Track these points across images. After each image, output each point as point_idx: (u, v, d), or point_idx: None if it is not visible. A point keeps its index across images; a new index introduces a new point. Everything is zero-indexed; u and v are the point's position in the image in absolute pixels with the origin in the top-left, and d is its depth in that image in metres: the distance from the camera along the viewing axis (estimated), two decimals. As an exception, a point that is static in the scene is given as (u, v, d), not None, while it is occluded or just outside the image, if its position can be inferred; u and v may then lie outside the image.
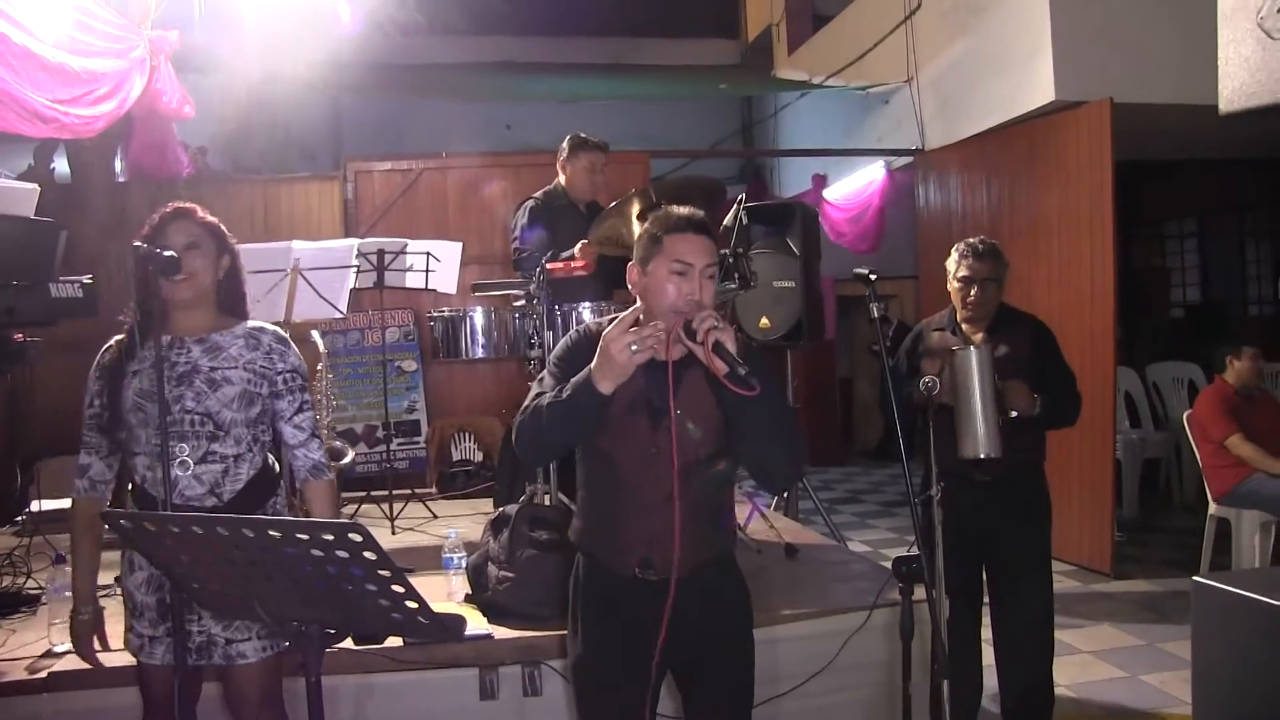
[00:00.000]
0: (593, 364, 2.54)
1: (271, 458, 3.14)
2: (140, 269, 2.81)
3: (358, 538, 1.87)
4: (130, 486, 3.02)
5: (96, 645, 3.11)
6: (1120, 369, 7.73)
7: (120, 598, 3.09)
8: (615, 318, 2.71)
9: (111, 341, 3.02)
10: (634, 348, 2.46)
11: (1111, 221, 7.02)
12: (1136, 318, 10.56)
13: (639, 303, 2.75)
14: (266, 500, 3.05)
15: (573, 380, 2.59)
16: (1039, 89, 7.53)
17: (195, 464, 2.90)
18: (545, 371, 2.83)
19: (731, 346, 2.49)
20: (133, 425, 2.92)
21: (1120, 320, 7.25)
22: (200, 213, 3.03)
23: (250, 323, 3.09)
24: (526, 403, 2.73)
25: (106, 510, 2.40)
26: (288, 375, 3.06)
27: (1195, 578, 2.88)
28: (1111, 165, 6.98)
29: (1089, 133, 7.19)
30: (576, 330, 2.86)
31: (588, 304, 4.95)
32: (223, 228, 3.08)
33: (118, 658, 3.19)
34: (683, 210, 2.73)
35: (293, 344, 3.14)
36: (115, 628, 3.14)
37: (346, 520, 1.87)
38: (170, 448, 2.86)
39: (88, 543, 3.06)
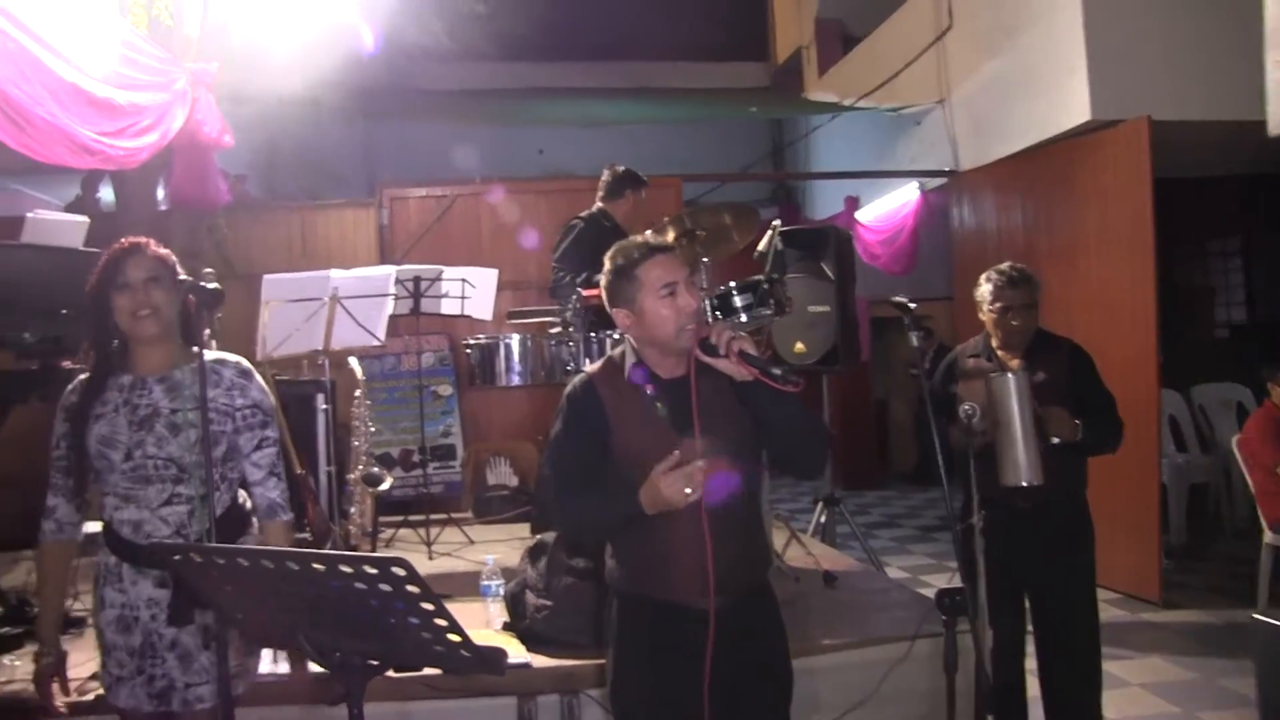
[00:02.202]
0: (642, 498, 2.56)
1: (243, 495, 3.10)
2: (183, 302, 2.81)
3: (401, 572, 1.86)
4: (102, 523, 2.98)
5: (56, 689, 3.05)
6: (1164, 391, 7.63)
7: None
8: (613, 356, 2.83)
9: (75, 382, 2.98)
10: (688, 491, 2.49)
11: (1151, 241, 6.94)
12: (1180, 338, 10.43)
13: (627, 346, 2.80)
14: (236, 539, 3.01)
15: (616, 499, 2.64)
16: (1074, 108, 7.47)
17: (160, 505, 2.87)
18: (555, 434, 2.84)
19: (754, 351, 2.52)
20: (99, 469, 2.89)
21: (1163, 341, 7.15)
22: (153, 246, 2.97)
23: (212, 355, 3.01)
24: (557, 482, 2.80)
25: (156, 543, 2.40)
26: (247, 411, 2.99)
27: (1255, 614, 2.82)
28: (1150, 184, 6.91)
29: (1126, 151, 7.12)
30: (573, 387, 2.85)
31: (623, 330, 4.94)
32: (174, 260, 3.00)
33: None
34: (635, 240, 2.81)
35: (256, 377, 3.06)
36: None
37: (392, 555, 1.86)
38: (135, 490, 2.87)
39: (54, 586, 3.05)
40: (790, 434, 2.68)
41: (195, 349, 2.94)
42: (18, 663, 4.07)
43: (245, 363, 3.07)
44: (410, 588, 1.90)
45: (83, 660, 4.02)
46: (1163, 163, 6.94)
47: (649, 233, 2.89)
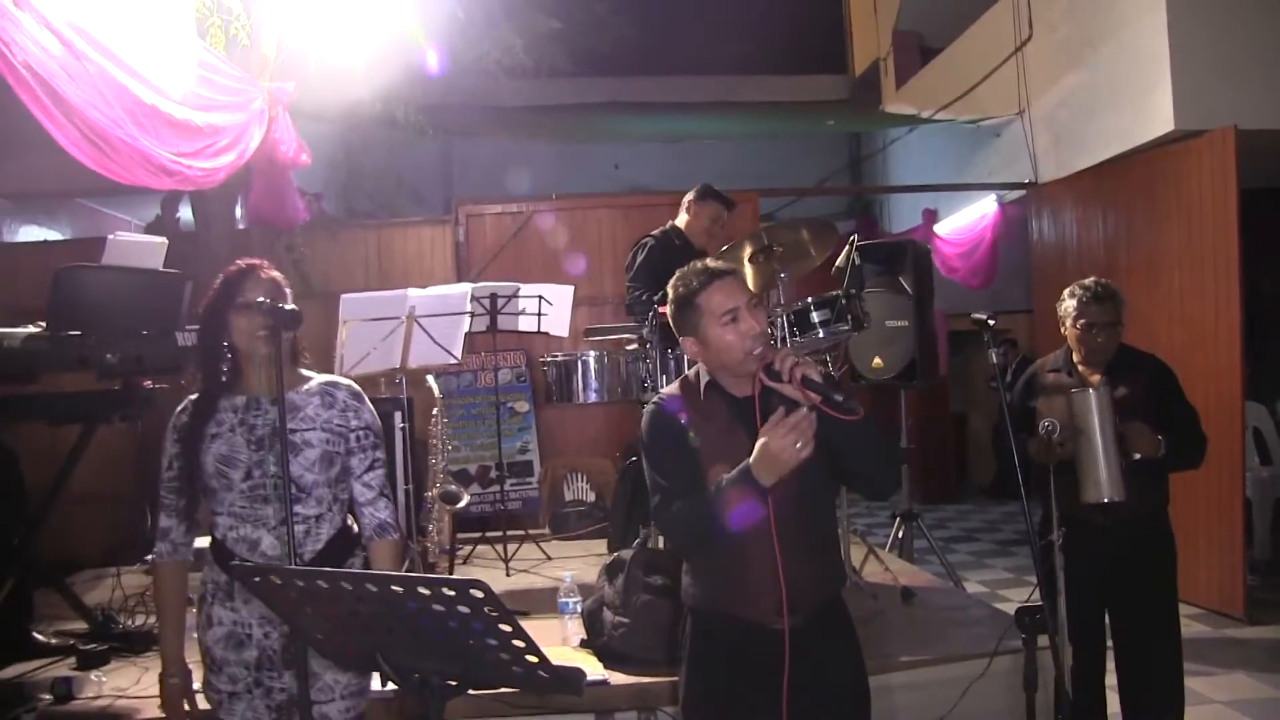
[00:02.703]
0: (752, 465, 2.51)
1: (351, 516, 3.13)
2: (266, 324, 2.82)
3: (479, 594, 1.87)
4: (210, 540, 3.01)
5: (186, 708, 3.07)
6: (1248, 404, 7.48)
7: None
8: (689, 376, 2.84)
9: (186, 402, 3.01)
10: (799, 445, 2.44)
11: (1237, 253, 6.82)
12: (1266, 351, 10.20)
13: (701, 366, 2.81)
14: (346, 559, 3.04)
15: (729, 481, 2.57)
16: (1158, 119, 7.36)
17: (278, 524, 2.90)
18: (646, 460, 2.81)
19: (816, 376, 2.49)
20: (215, 489, 2.92)
21: (1248, 354, 7.01)
22: (267, 268, 3.02)
23: (323, 378, 3.07)
24: (658, 501, 2.74)
25: (235, 565, 2.44)
26: (360, 433, 3.02)
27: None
28: (1236, 194, 6.79)
29: (1211, 162, 7.00)
30: (652, 408, 2.84)
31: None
32: (286, 283, 3.05)
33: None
34: (694, 267, 2.79)
35: (366, 400, 3.10)
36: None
37: (470, 578, 1.88)
38: (252, 510, 2.90)
39: (173, 606, 3.07)
40: (856, 458, 2.67)
41: (305, 371, 3.04)
42: (104, 679, 4.15)
43: (356, 386, 3.11)
44: (488, 609, 1.91)
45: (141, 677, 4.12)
46: (1248, 172, 6.81)
47: (709, 260, 2.85)
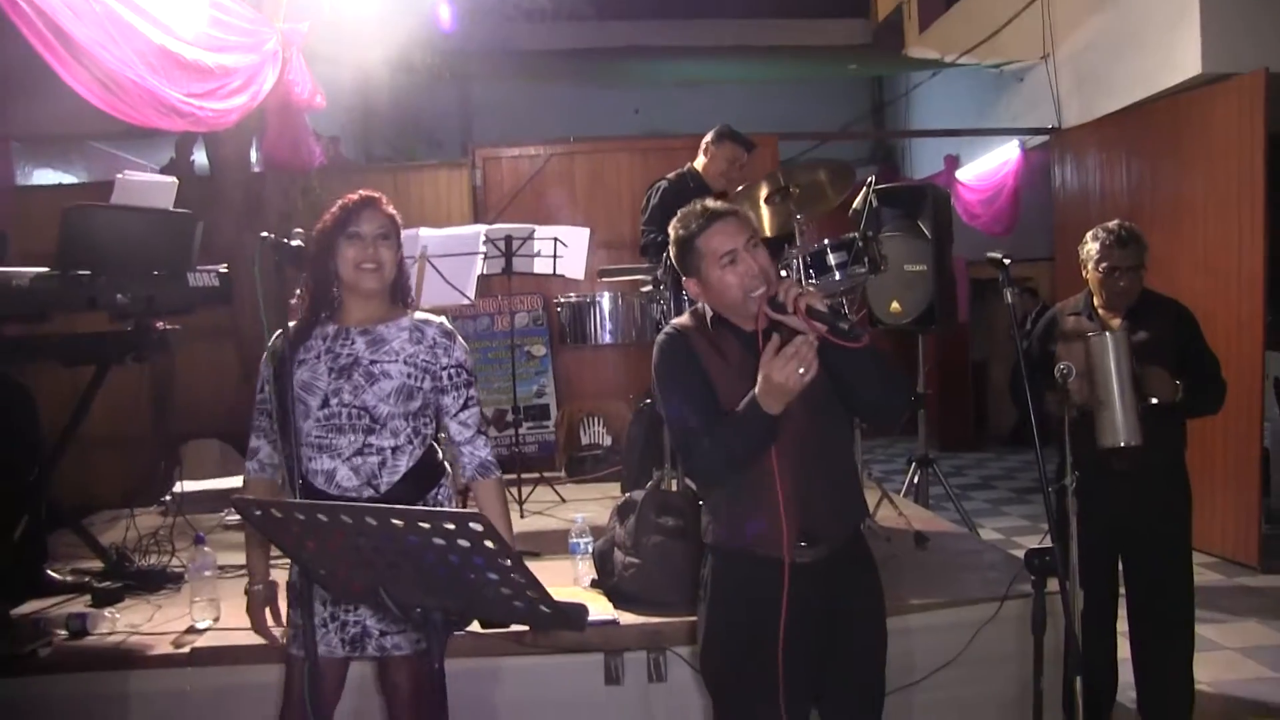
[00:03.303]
0: (758, 395, 2.49)
1: (439, 450, 3.13)
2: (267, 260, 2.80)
3: (479, 527, 1.86)
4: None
5: (269, 618, 3.15)
6: (1270, 354, 7.40)
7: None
8: (698, 308, 2.82)
9: (284, 328, 3.00)
10: (802, 371, 2.41)
11: (1263, 199, 6.71)
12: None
13: (701, 306, 2.81)
14: (427, 491, 3.04)
15: (740, 413, 2.55)
16: (1185, 62, 7.24)
17: (352, 455, 2.91)
18: (662, 394, 2.78)
19: (821, 306, 2.48)
20: (294, 417, 2.93)
21: (1271, 304, 6.93)
22: (385, 203, 3.03)
23: (417, 314, 3.08)
24: (680, 435, 2.73)
25: (235, 497, 2.47)
26: (452, 370, 3.03)
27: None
28: (1265, 140, 6.67)
29: (1240, 106, 6.87)
30: (664, 338, 2.82)
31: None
32: (400, 221, 3.07)
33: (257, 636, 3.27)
34: (694, 208, 2.78)
35: (458, 339, 3.09)
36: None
37: (468, 510, 1.87)
38: (328, 439, 2.92)
39: None
40: (861, 385, 2.65)
41: (407, 308, 3.09)
42: (118, 615, 4.18)
43: (448, 324, 3.11)
44: (488, 543, 1.90)
45: (177, 615, 4.16)
46: (1276, 118, 6.68)
47: (708, 201, 2.82)
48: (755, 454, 2.59)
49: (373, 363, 2.94)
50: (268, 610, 3.13)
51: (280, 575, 3.15)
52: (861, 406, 2.77)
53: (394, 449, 2.94)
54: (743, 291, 2.63)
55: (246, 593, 3.13)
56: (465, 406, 3.06)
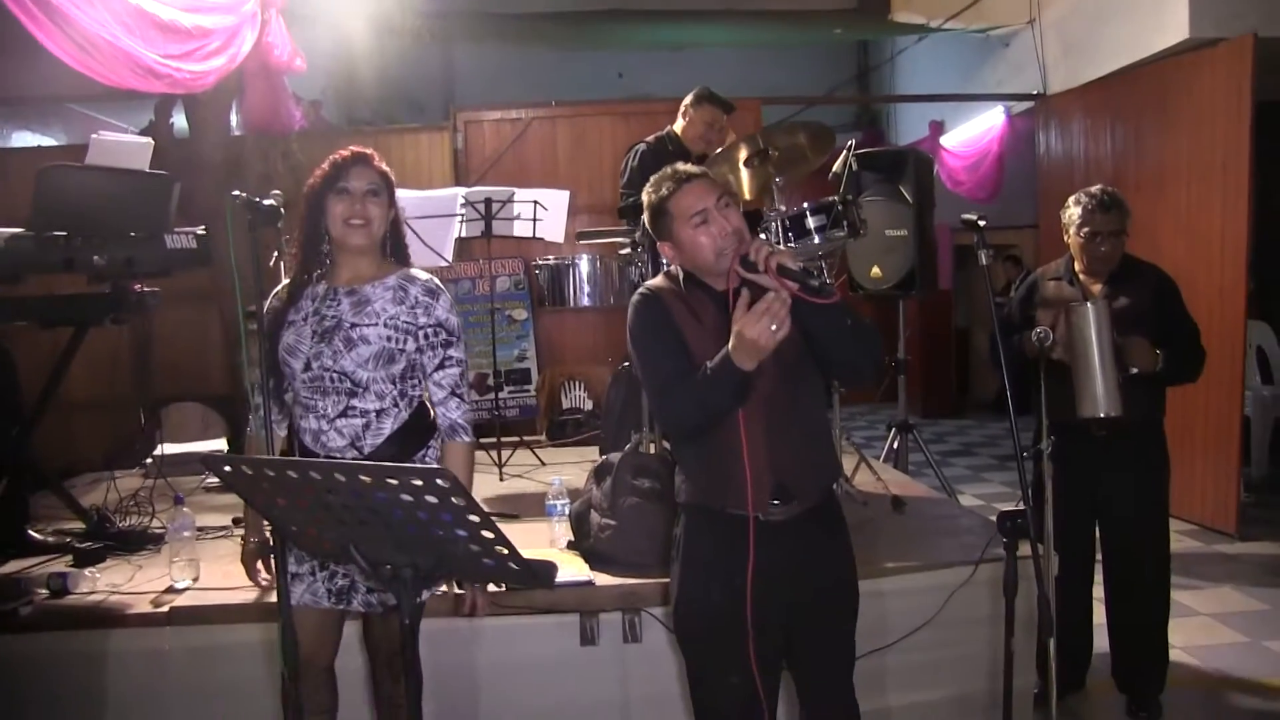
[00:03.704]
0: (730, 352, 2.48)
1: (431, 411, 3.12)
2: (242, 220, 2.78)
3: (444, 483, 1.86)
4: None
5: (261, 570, 3.24)
6: (1253, 323, 7.42)
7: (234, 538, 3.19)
8: (671, 269, 2.84)
9: (280, 286, 3.06)
10: (774, 328, 2.40)
11: (1248, 167, 6.69)
12: (1274, 269, 10.11)
13: (674, 268, 2.82)
14: (414, 452, 3.02)
15: (712, 369, 2.55)
16: (1172, 27, 7.21)
17: (336, 417, 2.93)
18: (638, 353, 2.79)
19: (792, 265, 2.49)
20: (285, 376, 2.96)
21: (1255, 272, 6.94)
22: (377, 159, 3.02)
23: (404, 272, 3.05)
24: (655, 391, 2.73)
25: (205, 455, 2.44)
26: (430, 330, 3.00)
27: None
28: (1251, 107, 6.64)
29: (1227, 72, 6.84)
30: (639, 297, 2.82)
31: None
32: (393, 178, 3.06)
33: (236, 595, 3.29)
34: (664, 172, 2.80)
35: (444, 296, 3.06)
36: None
37: (434, 466, 1.87)
38: (314, 401, 2.93)
39: None
40: (834, 344, 2.65)
41: (393, 264, 3.08)
42: (99, 575, 4.19)
43: (435, 281, 3.09)
44: (455, 499, 1.90)
45: (157, 576, 4.17)
46: (1264, 85, 6.66)
47: (679, 165, 2.82)
48: (728, 409, 2.59)
49: (353, 326, 2.92)
50: (260, 564, 3.23)
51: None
52: (835, 365, 2.76)
53: (378, 411, 2.95)
54: (715, 251, 2.64)
55: (242, 545, 3.25)
56: (442, 366, 3.03)
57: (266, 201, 2.78)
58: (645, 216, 2.85)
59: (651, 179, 2.83)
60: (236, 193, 2.76)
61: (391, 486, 1.92)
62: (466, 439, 3.07)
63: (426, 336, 3.00)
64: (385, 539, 2.09)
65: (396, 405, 2.98)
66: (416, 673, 2.22)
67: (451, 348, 3.05)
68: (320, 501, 2.07)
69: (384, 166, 3.03)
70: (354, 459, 2.88)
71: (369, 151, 3.02)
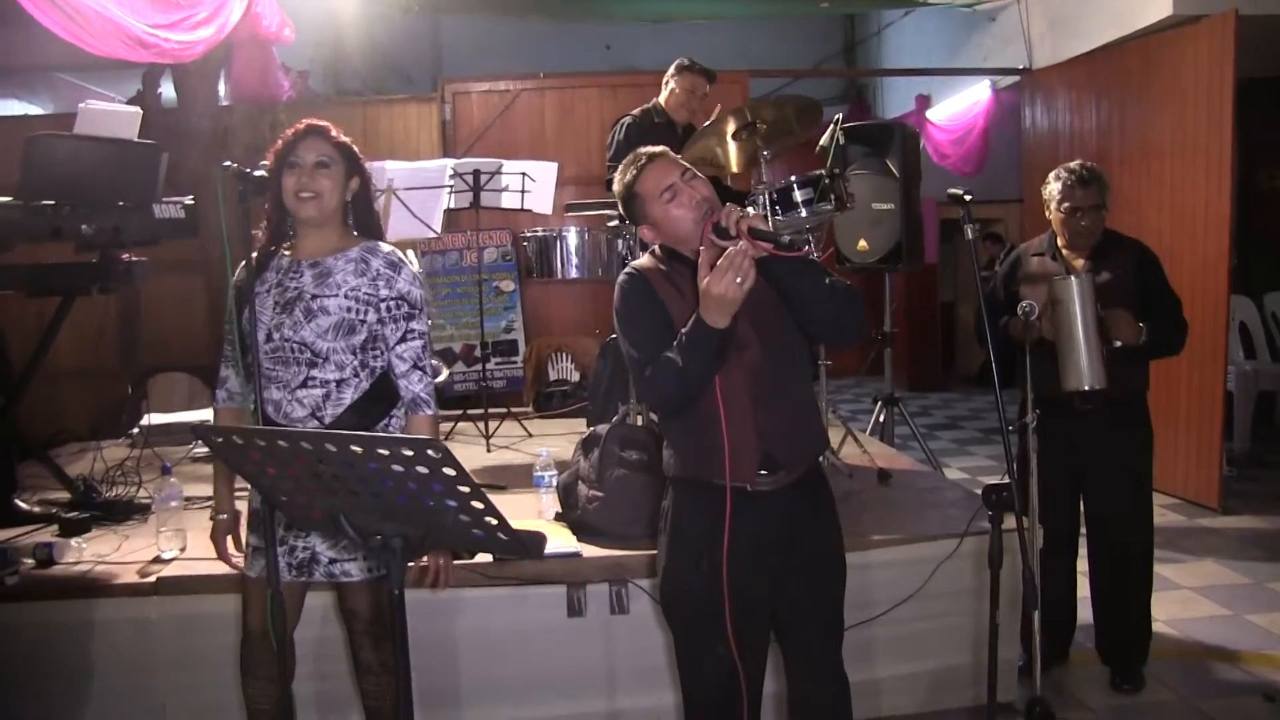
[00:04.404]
0: (700, 312, 2.51)
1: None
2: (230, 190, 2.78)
3: (435, 454, 1.87)
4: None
5: (231, 546, 3.20)
6: (1236, 298, 7.46)
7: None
8: (655, 248, 2.85)
9: (248, 259, 3.02)
10: (739, 280, 2.43)
11: (1230, 142, 6.70)
12: (1256, 244, 10.15)
13: (656, 248, 2.84)
14: (376, 423, 3.05)
15: (686, 334, 2.57)
16: (1155, 3, 7.20)
17: (297, 387, 2.94)
18: (622, 332, 2.81)
19: (762, 226, 2.53)
20: (249, 347, 2.95)
21: (1238, 247, 6.97)
22: (334, 132, 3.02)
23: (367, 244, 3.05)
24: (637, 368, 2.73)
25: (195, 425, 2.44)
26: (393, 302, 3.00)
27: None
28: (1233, 83, 6.65)
29: (1209, 48, 6.85)
30: (624, 277, 2.84)
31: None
32: (355, 148, 3.05)
33: (223, 565, 3.30)
34: (628, 158, 2.84)
35: (407, 268, 3.06)
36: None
37: (426, 437, 1.88)
38: (275, 371, 2.95)
39: None
40: (813, 297, 2.67)
41: (358, 237, 3.08)
42: (85, 545, 4.20)
43: (398, 254, 3.09)
44: (446, 469, 1.91)
45: (144, 546, 4.19)
46: (1246, 61, 6.67)
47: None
48: (706, 372, 2.60)
49: (314, 298, 2.94)
50: (229, 538, 3.18)
51: (243, 504, 3.19)
52: (817, 323, 2.76)
53: (339, 382, 2.96)
54: (692, 221, 2.67)
55: (211, 519, 3.19)
56: (404, 339, 3.04)
57: (257, 172, 2.80)
58: (620, 206, 2.88)
59: (619, 167, 2.86)
60: (227, 163, 2.76)
61: (383, 457, 1.93)
62: (429, 411, 3.10)
63: (389, 309, 3.01)
64: (375, 509, 2.09)
65: (357, 375, 3.00)
66: (404, 644, 2.22)
67: (414, 320, 3.05)
68: (310, 471, 2.07)
69: (342, 138, 3.03)
70: (315, 429, 2.89)
71: (323, 124, 3.03)
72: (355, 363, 2.98)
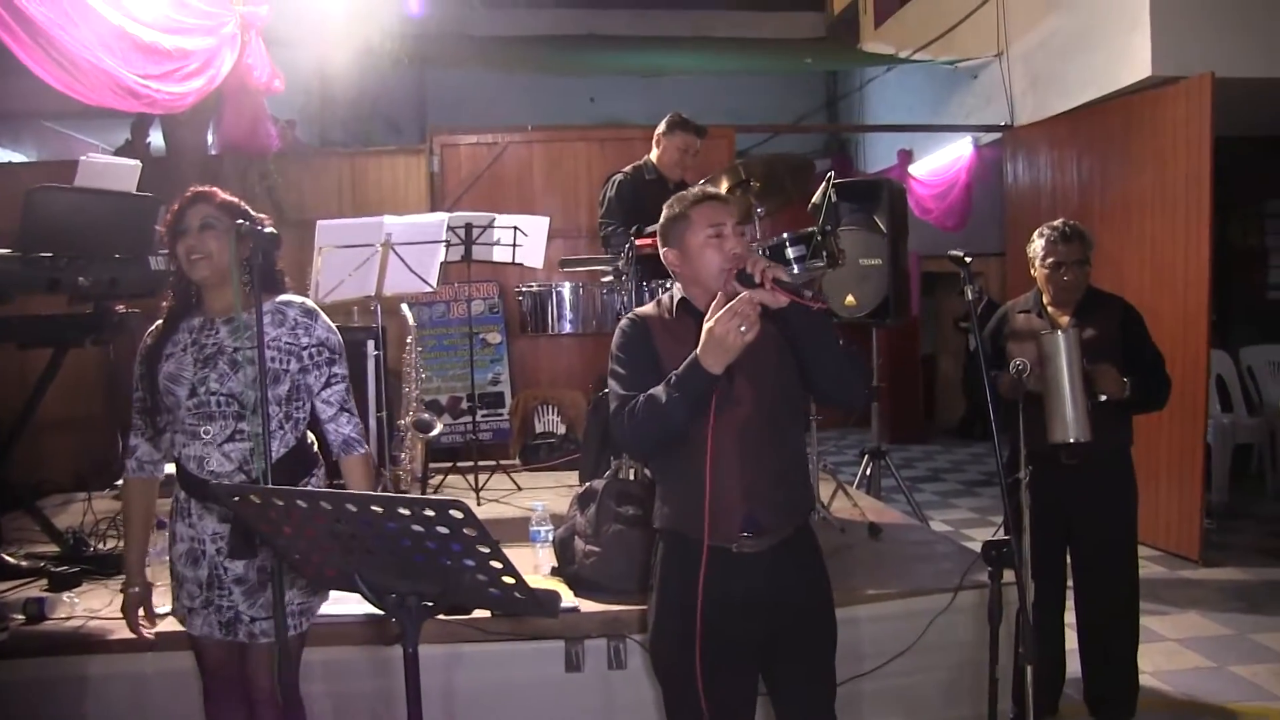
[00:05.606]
0: (699, 352, 2.53)
1: (311, 435, 3.19)
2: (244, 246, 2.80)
3: (459, 514, 1.90)
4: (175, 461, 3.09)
5: (143, 618, 3.21)
6: (1213, 352, 7.55)
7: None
8: (662, 299, 2.90)
9: (154, 326, 3.09)
10: (743, 329, 2.46)
11: (1209, 201, 6.82)
12: (1232, 299, 10.27)
13: (664, 298, 2.90)
14: (301, 478, 3.09)
15: (677, 374, 2.58)
16: (1135, 63, 7.35)
17: (224, 441, 2.96)
18: (612, 371, 2.84)
19: (786, 278, 2.57)
20: (165, 407, 3.00)
21: (1214, 302, 7.07)
22: (219, 195, 3.06)
23: (281, 297, 3.09)
24: (617, 405, 2.75)
25: (217, 484, 2.46)
26: (313, 349, 3.05)
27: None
28: (1211, 142, 6.78)
29: (1187, 109, 6.99)
30: (626, 322, 2.90)
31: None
32: (245, 207, 3.06)
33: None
34: (695, 190, 2.91)
35: (322, 316, 3.13)
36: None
37: (449, 498, 1.91)
38: (199, 427, 2.97)
39: (137, 522, 3.21)
40: (827, 355, 2.71)
41: (257, 291, 3.01)
42: (77, 600, 4.17)
43: (310, 303, 3.14)
44: (467, 530, 1.94)
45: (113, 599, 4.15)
46: (1222, 121, 6.81)
47: (703, 182, 2.91)
48: (685, 416, 2.60)
49: (236, 350, 2.97)
50: (141, 610, 3.20)
51: (159, 572, 3.27)
52: (827, 381, 2.78)
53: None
54: (719, 267, 2.70)
55: (122, 592, 3.21)
56: (328, 384, 3.10)
57: (268, 229, 2.83)
58: (661, 223, 2.90)
59: (679, 194, 2.91)
60: (240, 221, 2.79)
61: (403, 517, 1.96)
62: (362, 450, 3.17)
63: (311, 356, 3.06)
64: (391, 567, 2.12)
65: (282, 428, 3.04)
66: (418, 705, 2.22)
67: (335, 365, 3.12)
68: (329, 530, 2.10)
69: (228, 199, 3.06)
70: (242, 483, 2.90)
71: (207, 190, 3.08)
72: (280, 414, 3.02)
